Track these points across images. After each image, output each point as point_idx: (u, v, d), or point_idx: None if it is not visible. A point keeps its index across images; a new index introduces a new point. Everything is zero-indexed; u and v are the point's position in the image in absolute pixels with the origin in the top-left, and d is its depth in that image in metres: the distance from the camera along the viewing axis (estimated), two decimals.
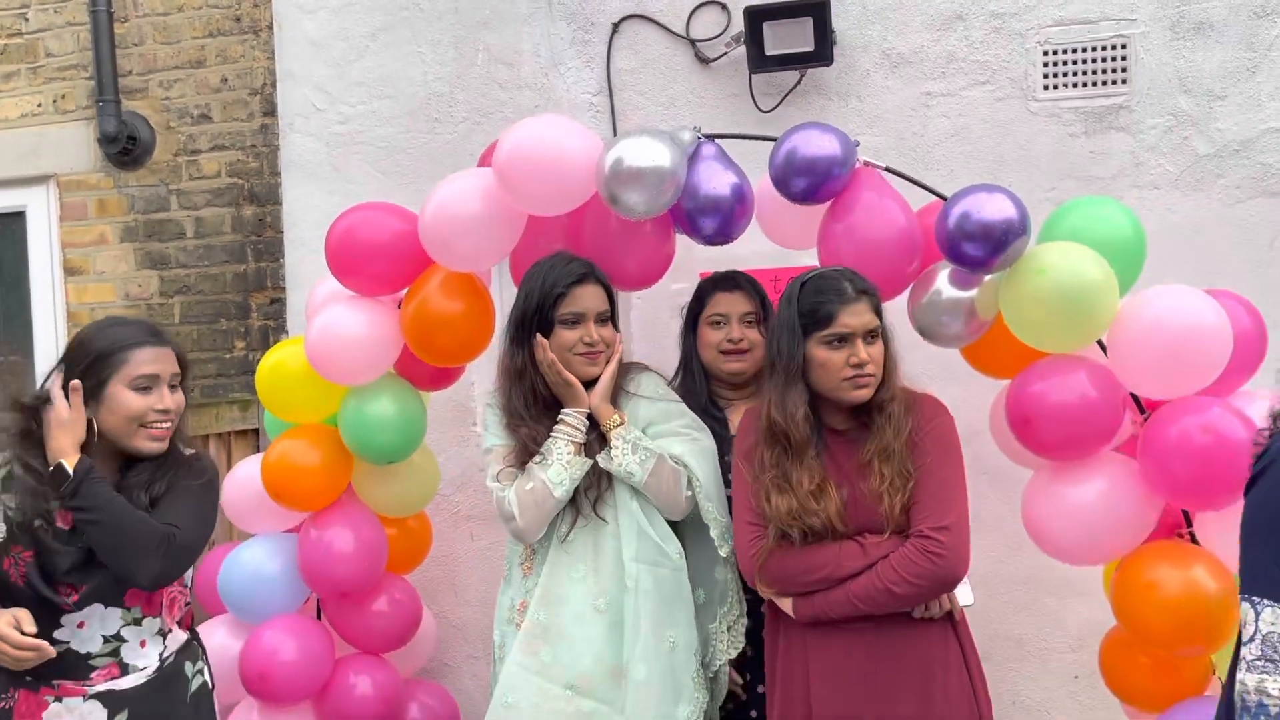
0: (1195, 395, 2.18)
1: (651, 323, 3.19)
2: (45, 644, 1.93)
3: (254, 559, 2.75)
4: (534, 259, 2.50)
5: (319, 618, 2.81)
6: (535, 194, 2.38)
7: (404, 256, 2.54)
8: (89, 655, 2.04)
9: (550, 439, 2.28)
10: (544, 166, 2.32)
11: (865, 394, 2.12)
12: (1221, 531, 2.19)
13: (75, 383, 2.03)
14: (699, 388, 2.55)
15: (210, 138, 3.60)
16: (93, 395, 2.06)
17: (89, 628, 2.04)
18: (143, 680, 2.09)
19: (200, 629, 2.84)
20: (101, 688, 2.04)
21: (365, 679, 2.76)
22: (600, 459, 2.29)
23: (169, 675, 2.13)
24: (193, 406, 3.12)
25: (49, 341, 3.72)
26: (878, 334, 2.14)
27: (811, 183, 2.27)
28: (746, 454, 2.21)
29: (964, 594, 2.15)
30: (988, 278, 2.29)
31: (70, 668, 2.03)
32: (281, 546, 2.76)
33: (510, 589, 2.37)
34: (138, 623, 2.10)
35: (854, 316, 2.10)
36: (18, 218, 3.78)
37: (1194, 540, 2.25)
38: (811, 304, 2.13)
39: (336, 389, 2.65)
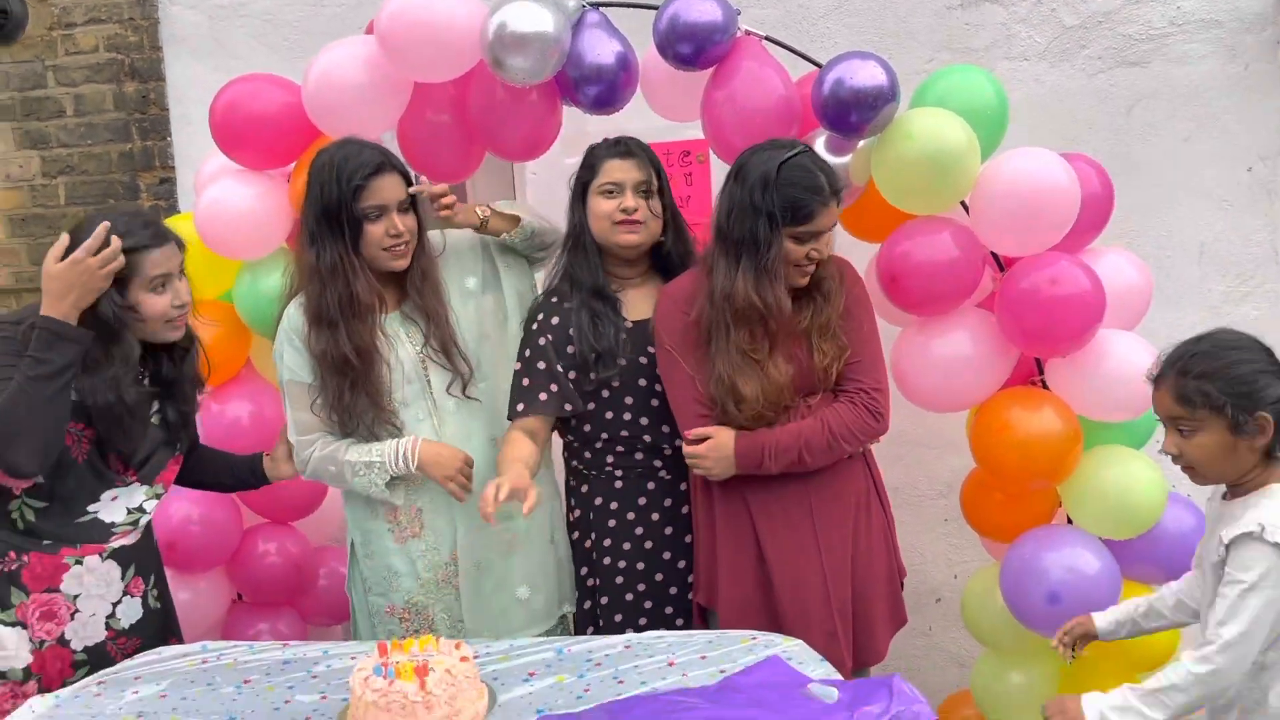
0: (1047, 251, 2.35)
1: (547, 198, 3.22)
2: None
3: None
4: (422, 127, 2.54)
5: None
6: (419, 60, 2.39)
7: (291, 129, 2.55)
8: (112, 524, 2.18)
9: (377, 459, 2.26)
10: (427, 32, 2.33)
11: (806, 281, 2.21)
12: (1069, 377, 2.39)
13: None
14: (592, 264, 2.40)
15: (85, 10, 3.46)
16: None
17: (119, 500, 2.18)
18: (141, 534, 2.25)
19: None
20: (116, 545, 2.20)
21: (274, 545, 2.85)
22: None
23: (148, 525, 2.30)
24: None
25: None
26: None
27: (694, 49, 2.32)
28: (681, 339, 2.22)
29: None
30: (860, 144, 2.39)
31: (94, 533, 2.16)
32: None
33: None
34: (158, 497, 2.26)
35: (828, 218, 2.17)
36: None
37: (1045, 386, 2.45)
38: (791, 198, 2.12)
39: (230, 264, 2.66)
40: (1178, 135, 2.95)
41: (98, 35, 3.46)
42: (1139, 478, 2.34)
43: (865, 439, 2.23)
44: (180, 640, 2.35)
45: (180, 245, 2.19)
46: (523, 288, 2.51)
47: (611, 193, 2.37)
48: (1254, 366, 1.75)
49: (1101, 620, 2.06)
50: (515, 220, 2.45)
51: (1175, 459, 1.82)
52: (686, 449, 2.23)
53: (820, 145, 2.42)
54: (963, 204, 2.40)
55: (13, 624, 2.10)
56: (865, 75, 2.24)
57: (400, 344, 2.33)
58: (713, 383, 2.19)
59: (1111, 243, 2.61)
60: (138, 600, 2.24)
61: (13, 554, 2.10)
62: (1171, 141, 2.95)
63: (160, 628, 2.29)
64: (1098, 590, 2.30)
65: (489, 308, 2.46)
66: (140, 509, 2.21)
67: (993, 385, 2.41)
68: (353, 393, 2.26)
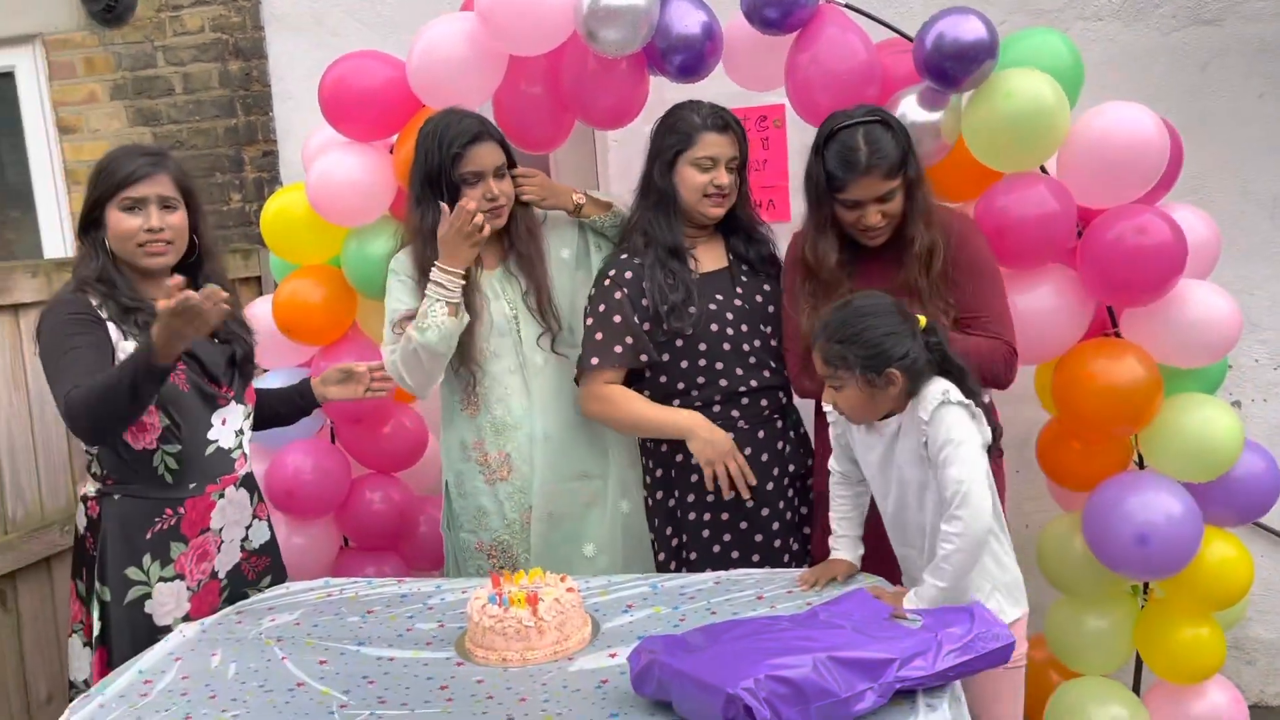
0: (1128, 204, 2.41)
1: (627, 165, 3.33)
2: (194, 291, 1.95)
3: None
4: (517, 98, 2.67)
5: (333, 442, 3.06)
6: (516, 35, 2.52)
7: (394, 102, 2.69)
8: (229, 450, 2.29)
9: (426, 300, 2.35)
10: (524, 7, 2.46)
11: (876, 242, 2.32)
12: (1147, 327, 2.46)
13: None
14: (674, 227, 2.48)
15: None
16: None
17: (229, 424, 2.28)
18: (249, 463, 2.37)
19: None
20: (242, 473, 2.33)
21: (379, 494, 3.02)
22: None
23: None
24: None
25: (49, 199, 3.84)
26: (890, 196, 2.25)
27: (781, 13, 2.42)
28: (788, 278, 2.42)
29: None
30: (951, 100, 2.47)
31: (224, 463, 2.28)
32: (295, 379, 2.97)
33: (457, 430, 2.55)
34: (249, 416, 2.36)
35: (862, 190, 2.24)
36: (7, 78, 3.85)
37: (1119, 337, 2.52)
38: (830, 168, 2.26)
39: (337, 230, 2.82)
40: (1251, 92, 2.97)
41: (203, 16, 3.66)
42: (1218, 423, 2.41)
43: (1000, 389, 2.33)
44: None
45: (185, 188, 2.23)
46: None
47: (706, 167, 2.45)
48: (881, 331, 1.95)
49: (849, 554, 2.18)
50: (607, 206, 2.61)
51: (835, 408, 2.05)
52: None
53: (910, 102, 2.46)
54: (1041, 167, 2.47)
55: (171, 579, 2.20)
56: (968, 28, 2.32)
57: (495, 300, 2.49)
58: (801, 319, 2.36)
59: (1186, 199, 2.67)
60: (264, 523, 2.41)
61: (169, 510, 2.19)
62: (1245, 99, 2.97)
63: (275, 549, 2.46)
64: (1183, 530, 2.37)
65: (581, 281, 2.61)
66: (240, 430, 2.32)
67: (1073, 337, 2.49)
68: None
